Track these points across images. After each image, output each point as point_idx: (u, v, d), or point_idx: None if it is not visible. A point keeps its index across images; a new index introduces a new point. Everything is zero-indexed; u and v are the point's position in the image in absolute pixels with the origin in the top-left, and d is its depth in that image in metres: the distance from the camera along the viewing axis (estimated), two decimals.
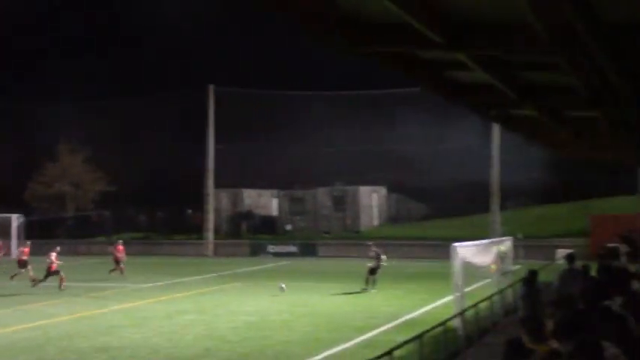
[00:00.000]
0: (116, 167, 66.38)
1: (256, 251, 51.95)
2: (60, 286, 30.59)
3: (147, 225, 70.81)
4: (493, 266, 24.90)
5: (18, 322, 22.54)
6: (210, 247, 55.02)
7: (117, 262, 35.73)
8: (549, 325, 7.68)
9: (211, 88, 56.46)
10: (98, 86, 74.92)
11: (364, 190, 68.06)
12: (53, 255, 31.76)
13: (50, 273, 31.43)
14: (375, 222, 68.67)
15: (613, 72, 9.27)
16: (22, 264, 33.83)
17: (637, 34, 8.07)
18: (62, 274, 31.23)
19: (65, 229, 68.73)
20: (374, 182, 68.60)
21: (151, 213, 73.58)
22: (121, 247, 36.57)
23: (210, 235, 55.76)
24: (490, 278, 24.51)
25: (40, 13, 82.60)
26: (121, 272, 35.06)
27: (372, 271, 29.45)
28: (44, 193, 68.79)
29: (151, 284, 32.84)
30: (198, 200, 59.98)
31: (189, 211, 71.14)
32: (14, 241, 52.65)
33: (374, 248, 30.55)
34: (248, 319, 22.97)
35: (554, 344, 7.30)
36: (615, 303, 9.57)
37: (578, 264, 16.33)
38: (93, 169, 68.81)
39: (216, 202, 59.97)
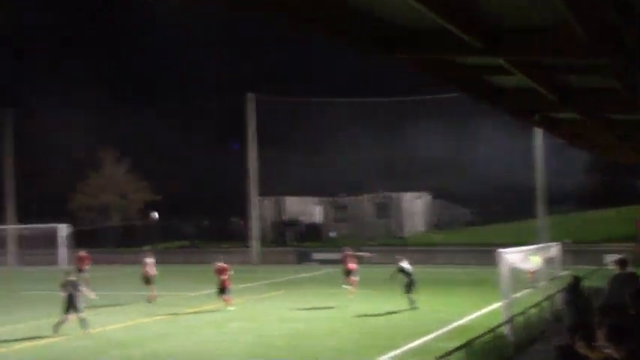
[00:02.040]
0: (160, 176, 67.20)
1: (302, 259, 52.17)
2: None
3: (193, 233, 71.40)
4: (530, 274, 24.76)
5: (73, 331, 22.96)
6: (256, 254, 55.30)
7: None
8: (601, 331, 7.67)
9: (251, 96, 56.78)
10: (142, 96, 75.92)
11: (408, 197, 67.89)
12: (149, 261, 31.57)
13: (148, 280, 31.15)
14: (420, 228, 68.45)
15: None
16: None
17: None
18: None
19: (111, 238, 69.67)
20: (418, 188, 68.42)
21: (197, 221, 74.18)
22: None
23: (255, 243, 56.06)
24: (535, 285, 24.36)
25: (81, 23, 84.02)
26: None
27: (408, 288, 26.15)
28: (89, 204, 69.83)
29: (198, 292, 33.17)
30: (242, 208, 60.34)
31: (234, 219, 71.57)
32: (61, 251, 53.60)
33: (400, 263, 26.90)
34: (296, 326, 23.11)
35: (608, 350, 7.29)
36: None
37: (629, 269, 16.14)
38: (137, 179, 69.69)
39: (260, 209, 60.25)
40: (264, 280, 40.00)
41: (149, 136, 67.64)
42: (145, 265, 31.78)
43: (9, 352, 19.70)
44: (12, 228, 61.59)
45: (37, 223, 57.47)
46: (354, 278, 30.26)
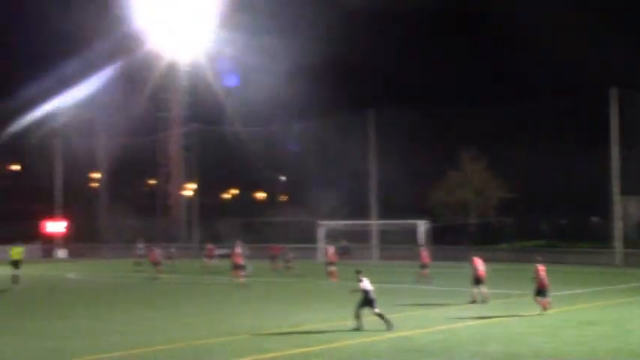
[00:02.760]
0: (517, 174, 66.41)
1: None
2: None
3: (550, 233, 69.58)
4: None
5: (432, 324, 23.47)
6: (620, 256, 52.44)
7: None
8: None
9: (614, 91, 53.85)
10: (496, 93, 75.64)
11: None
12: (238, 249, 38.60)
13: (236, 266, 37.67)
14: None
15: None
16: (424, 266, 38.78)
17: None
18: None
19: (467, 235, 70.32)
20: None
21: (554, 221, 72.19)
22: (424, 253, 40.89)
23: (619, 244, 53.18)
24: None
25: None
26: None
27: None
28: (447, 201, 71.06)
29: (557, 293, 32.04)
30: (603, 208, 57.62)
31: (595, 218, 68.55)
32: (421, 247, 55.09)
33: None
34: None
35: None
36: None
37: None
38: (494, 177, 69.59)
39: (622, 209, 57.00)
40: (628, 283, 37.78)
41: (505, 134, 67.19)
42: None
43: (374, 341, 20.57)
44: (375, 223, 64.86)
45: (397, 219, 59.86)
46: None
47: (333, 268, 40.89)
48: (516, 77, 78.72)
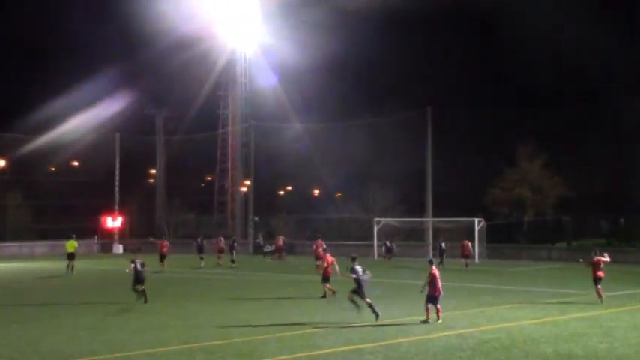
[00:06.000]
0: (576, 173, 65.60)
1: None
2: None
3: (609, 232, 68.46)
4: None
5: (485, 323, 23.38)
6: None
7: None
8: None
9: None
10: (555, 90, 74.72)
11: None
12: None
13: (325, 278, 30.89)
14: None
15: None
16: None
17: None
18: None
19: (523, 233, 69.63)
20: None
21: (614, 220, 70.94)
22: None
23: None
24: None
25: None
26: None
27: None
28: (504, 198, 70.39)
29: (615, 293, 31.67)
30: None
31: None
32: (477, 244, 54.83)
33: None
34: None
35: None
36: None
37: None
38: (551, 174, 68.75)
39: None
40: None
41: (565, 132, 66.44)
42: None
43: (427, 339, 20.59)
44: (431, 221, 64.63)
45: (453, 216, 59.57)
46: None
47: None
48: (578, 74, 77.57)
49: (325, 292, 30.44)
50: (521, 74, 78.14)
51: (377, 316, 23.44)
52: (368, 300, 23.83)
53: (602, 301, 28.00)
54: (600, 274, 28.50)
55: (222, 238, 56.50)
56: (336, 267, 30.70)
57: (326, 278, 30.65)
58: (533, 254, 57.74)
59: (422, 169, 66.36)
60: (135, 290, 29.13)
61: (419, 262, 49.68)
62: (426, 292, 23.32)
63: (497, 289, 35.01)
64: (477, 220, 56.13)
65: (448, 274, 43.11)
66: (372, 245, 61.48)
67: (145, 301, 28.70)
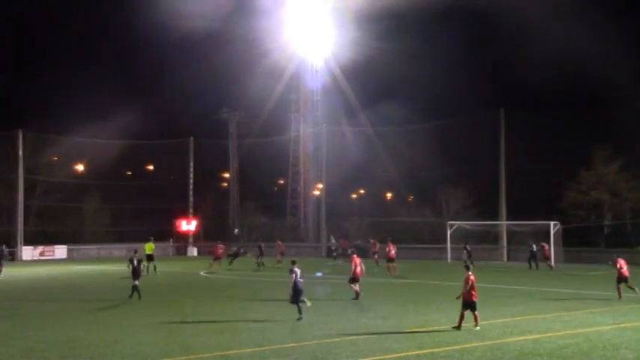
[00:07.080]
0: None
1: None
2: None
3: None
4: None
5: (563, 328, 22.90)
6: None
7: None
8: None
9: None
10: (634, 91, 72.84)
11: None
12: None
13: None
14: None
15: None
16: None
17: None
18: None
19: (603, 237, 68.04)
20: None
21: None
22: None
23: None
24: None
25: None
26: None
27: None
28: (580, 201, 68.90)
29: None
30: None
31: None
32: (555, 248, 53.67)
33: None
34: None
35: None
36: None
37: None
38: (629, 178, 67.06)
39: None
40: None
41: None
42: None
43: (502, 343, 20.29)
44: (505, 224, 63.78)
45: (527, 220, 58.59)
46: None
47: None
48: None
49: (357, 294, 31.33)
50: (601, 73, 76.49)
51: (300, 318, 24.51)
52: (303, 299, 25.17)
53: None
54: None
55: (279, 242, 58.16)
56: (363, 268, 32.24)
57: (355, 279, 31.76)
58: (610, 258, 56.27)
59: (496, 171, 65.58)
60: (134, 287, 31.51)
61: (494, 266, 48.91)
62: (461, 298, 22.89)
63: (575, 293, 34.32)
64: (552, 223, 55.02)
65: (527, 277, 42.58)
66: (446, 248, 60.95)
67: (139, 298, 31.04)
